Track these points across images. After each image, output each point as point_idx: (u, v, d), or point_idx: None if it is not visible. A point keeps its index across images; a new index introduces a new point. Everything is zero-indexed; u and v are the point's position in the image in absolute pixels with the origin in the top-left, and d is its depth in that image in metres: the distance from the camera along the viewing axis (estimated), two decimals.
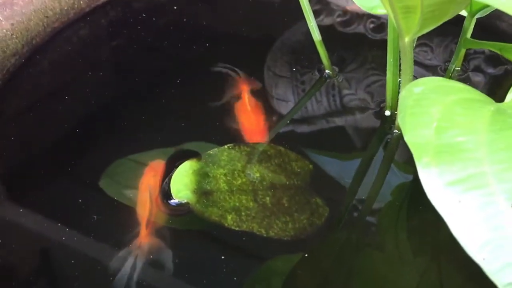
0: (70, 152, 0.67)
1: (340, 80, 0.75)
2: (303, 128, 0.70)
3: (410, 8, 0.47)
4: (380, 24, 0.82)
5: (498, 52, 0.59)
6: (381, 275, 0.57)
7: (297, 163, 0.64)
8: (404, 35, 0.52)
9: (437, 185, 0.38)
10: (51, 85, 0.75)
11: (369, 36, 0.81)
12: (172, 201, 0.59)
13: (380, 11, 0.60)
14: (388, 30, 0.60)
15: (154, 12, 0.85)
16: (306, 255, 0.57)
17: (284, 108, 0.72)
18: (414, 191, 0.63)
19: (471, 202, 0.37)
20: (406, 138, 0.42)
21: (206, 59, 0.78)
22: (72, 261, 0.55)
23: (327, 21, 0.83)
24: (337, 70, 0.76)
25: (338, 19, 0.84)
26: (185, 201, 0.58)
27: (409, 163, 0.65)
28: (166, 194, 0.59)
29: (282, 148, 0.65)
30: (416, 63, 0.75)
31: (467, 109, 0.45)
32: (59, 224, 0.57)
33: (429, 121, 0.43)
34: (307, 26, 0.70)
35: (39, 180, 0.63)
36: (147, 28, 0.82)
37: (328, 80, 0.75)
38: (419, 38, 0.61)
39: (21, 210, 0.59)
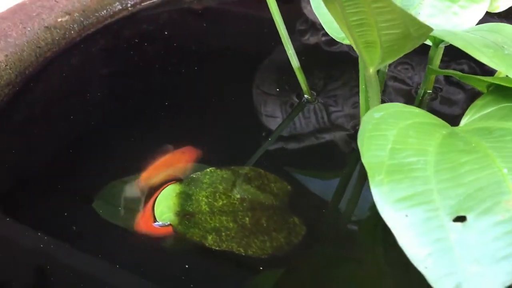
0: (63, 175, 0.70)
1: (319, 104, 0.79)
2: (283, 151, 0.73)
3: (370, 43, 0.51)
4: None
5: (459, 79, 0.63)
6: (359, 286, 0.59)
7: (276, 184, 0.68)
8: (368, 67, 0.56)
9: (387, 201, 0.41)
10: (44, 112, 0.78)
11: (352, 54, 0.84)
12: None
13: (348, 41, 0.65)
14: (359, 59, 0.64)
15: (144, 39, 0.89)
16: (286, 271, 0.60)
17: (273, 124, 0.77)
18: None
19: (416, 216, 0.40)
20: (363, 159, 0.45)
21: (195, 82, 0.82)
22: (67, 279, 0.58)
23: (313, 40, 0.87)
24: (315, 94, 0.79)
25: (323, 38, 0.88)
26: (168, 223, 0.61)
27: None
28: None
29: (261, 171, 0.69)
30: (397, 79, 0.79)
31: (421, 132, 0.49)
32: (53, 242, 0.60)
33: (384, 143, 0.47)
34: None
35: (32, 203, 0.67)
36: (137, 55, 0.86)
37: (307, 105, 0.78)
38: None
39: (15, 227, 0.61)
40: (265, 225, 0.62)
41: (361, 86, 0.68)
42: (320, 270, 0.62)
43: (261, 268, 0.60)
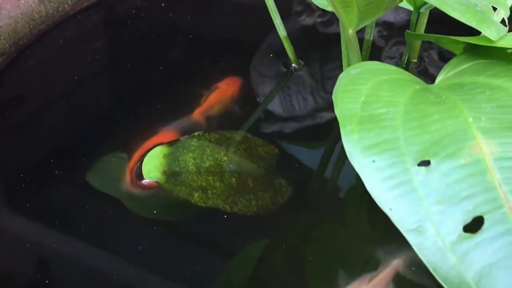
0: (57, 148, 0.72)
1: (306, 73, 0.80)
2: (270, 119, 0.75)
3: (347, 2, 0.53)
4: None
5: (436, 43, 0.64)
6: (341, 249, 0.61)
7: (263, 148, 0.69)
8: (347, 28, 0.57)
9: (356, 148, 0.43)
10: (37, 83, 0.80)
11: None
12: (143, 180, 0.64)
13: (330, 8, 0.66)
14: (340, 24, 0.65)
15: (137, 15, 0.90)
16: (275, 233, 0.62)
17: (262, 91, 0.79)
18: None
19: (383, 161, 0.42)
20: (336, 111, 0.47)
21: (190, 60, 0.84)
22: (67, 266, 0.59)
23: (309, 21, 0.88)
24: (303, 63, 0.81)
25: (319, 20, 0.89)
26: (155, 180, 0.63)
27: None
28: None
29: (249, 135, 0.70)
30: (385, 51, 0.80)
31: (394, 87, 0.50)
32: (48, 228, 0.62)
33: (357, 96, 0.48)
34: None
35: (27, 181, 0.68)
36: (130, 30, 0.88)
37: (294, 73, 0.80)
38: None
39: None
40: (251, 185, 0.64)
41: (343, 51, 0.70)
42: (305, 231, 0.64)
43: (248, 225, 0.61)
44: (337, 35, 0.74)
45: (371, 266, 0.58)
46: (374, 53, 0.71)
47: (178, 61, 0.84)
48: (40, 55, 0.82)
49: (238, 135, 0.70)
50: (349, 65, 0.67)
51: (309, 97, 0.77)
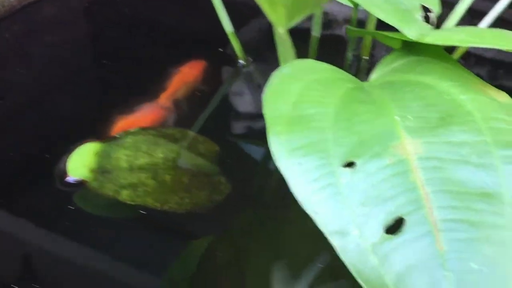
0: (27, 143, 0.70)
1: (254, 70, 0.80)
2: (216, 115, 0.75)
3: (273, 1, 0.52)
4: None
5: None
6: (280, 246, 0.61)
7: (204, 145, 0.68)
8: (277, 27, 0.57)
9: (283, 151, 0.43)
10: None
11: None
12: (68, 178, 0.62)
13: None
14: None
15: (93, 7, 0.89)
16: (211, 231, 0.61)
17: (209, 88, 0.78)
18: None
19: (309, 164, 0.42)
20: (264, 112, 0.47)
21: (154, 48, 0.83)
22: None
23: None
24: (251, 60, 0.80)
25: None
26: (81, 178, 0.61)
27: None
28: (61, 174, 0.62)
29: (189, 132, 0.70)
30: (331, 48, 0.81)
31: (326, 86, 0.50)
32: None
33: (288, 96, 0.48)
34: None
35: None
36: (85, 22, 0.87)
37: (242, 70, 0.80)
38: None
39: None
40: (186, 182, 0.63)
41: (279, 49, 0.69)
42: (243, 229, 0.63)
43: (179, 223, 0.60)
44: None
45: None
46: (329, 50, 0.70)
47: (141, 50, 0.83)
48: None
49: (178, 133, 0.69)
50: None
51: (255, 94, 0.77)
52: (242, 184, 0.66)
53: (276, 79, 0.51)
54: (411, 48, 0.55)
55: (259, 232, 0.62)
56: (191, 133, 0.69)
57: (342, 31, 0.86)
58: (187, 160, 0.65)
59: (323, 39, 0.78)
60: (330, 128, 0.44)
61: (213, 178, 0.64)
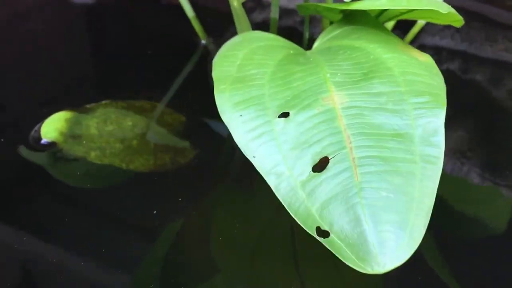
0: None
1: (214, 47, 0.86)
2: (183, 91, 0.80)
3: None
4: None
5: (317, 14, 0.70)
6: (240, 214, 0.64)
7: (171, 116, 0.74)
8: (232, 1, 0.63)
9: (226, 105, 0.49)
10: None
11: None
12: (42, 140, 0.67)
13: None
14: None
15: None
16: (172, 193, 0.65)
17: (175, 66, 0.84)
18: None
19: (248, 115, 0.48)
20: (213, 74, 0.53)
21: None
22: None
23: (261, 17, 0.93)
24: (211, 40, 0.86)
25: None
26: (53, 140, 0.67)
27: None
28: (36, 137, 0.67)
29: (157, 104, 0.75)
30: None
31: (268, 51, 0.56)
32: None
33: (234, 60, 0.54)
34: None
35: None
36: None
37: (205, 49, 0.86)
38: None
39: None
40: (152, 147, 0.69)
41: (236, 22, 0.75)
42: (205, 193, 0.66)
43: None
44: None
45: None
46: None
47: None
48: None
49: (146, 104, 0.74)
50: None
51: None
52: (206, 152, 0.71)
53: (226, 47, 0.57)
54: (349, 19, 0.61)
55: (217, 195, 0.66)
56: (159, 105, 0.74)
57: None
58: (154, 128, 0.71)
59: (282, 28, 0.84)
60: (267, 85, 0.50)
61: (178, 143, 0.70)
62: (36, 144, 0.67)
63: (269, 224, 0.62)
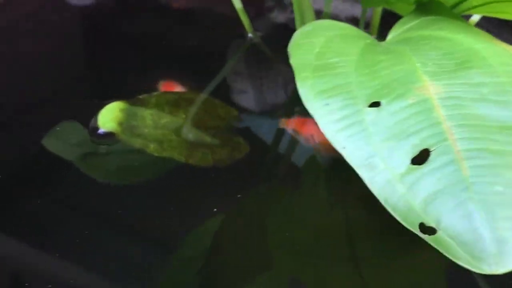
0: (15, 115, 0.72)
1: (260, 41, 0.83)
2: (251, 83, 0.77)
3: None
4: None
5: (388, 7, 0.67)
6: (298, 213, 0.62)
7: (223, 109, 0.71)
8: None
9: (311, 93, 0.46)
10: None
11: None
12: (99, 130, 0.65)
13: None
14: None
15: None
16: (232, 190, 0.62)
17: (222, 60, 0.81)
18: None
19: (336, 104, 0.45)
20: (291, 61, 0.50)
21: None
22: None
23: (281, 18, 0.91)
24: (259, 34, 0.83)
25: (292, 15, 0.91)
26: (110, 130, 0.64)
27: None
28: (93, 127, 0.65)
29: (209, 97, 0.72)
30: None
31: (346, 40, 0.53)
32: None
33: (312, 48, 0.51)
34: None
35: None
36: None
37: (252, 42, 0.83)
38: None
39: None
40: (208, 141, 0.66)
41: (296, 16, 0.72)
42: (264, 199, 0.64)
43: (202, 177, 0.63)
44: None
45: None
46: None
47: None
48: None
49: (197, 96, 0.71)
50: (301, 23, 0.69)
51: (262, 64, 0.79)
52: (259, 146, 0.69)
53: (300, 35, 0.54)
54: (424, 11, 0.58)
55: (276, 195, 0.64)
56: (209, 98, 0.72)
57: None
58: (208, 121, 0.68)
59: None
60: (352, 73, 0.47)
61: (233, 138, 0.67)
62: (94, 134, 0.65)
63: (326, 222, 0.60)
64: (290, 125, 0.71)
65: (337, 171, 0.66)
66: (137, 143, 0.64)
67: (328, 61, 0.48)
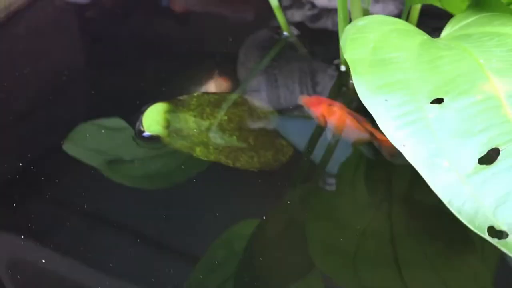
0: (37, 113, 0.71)
1: (298, 40, 0.80)
2: (266, 81, 0.75)
3: None
4: None
5: (440, 5, 0.64)
6: (337, 216, 0.61)
7: (262, 110, 0.69)
8: None
9: (368, 88, 0.43)
10: (23, 48, 0.80)
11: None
12: (144, 133, 0.63)
13: None
14: None
15: None
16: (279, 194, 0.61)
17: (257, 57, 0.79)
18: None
19: (395, 100, 0.42)
20: (345, 56, 0.47)
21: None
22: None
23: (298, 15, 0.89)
24: (295, 32, 0.81)
25: (309, 13, 0.89)
26: (156, 134, 0.63)
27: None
28: (139, 130, 0.63)
29: (247, 97, 0.70)
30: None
31: (402, 35, 0.51)
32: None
33: (366, 43, 0.49)
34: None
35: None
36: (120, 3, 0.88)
37: (287, 40, 0.80)
38: None
39: None
40: (252, 143, 0.64)
41: (339, 16, 0.70)
42: (305, 202, 0.63)
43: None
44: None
45: None
46: None
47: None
48: (29, 22, 0.81)
49: (237, 97, 0.69)
50: (344, 20, 0.67)
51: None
52: (302, 148, 0.67)
53: (352, 29, 0.51)
54: (480, 7, 0.55)
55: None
56: (249, 98, 0.69)
57: None
58: (250, 122, 0.66)
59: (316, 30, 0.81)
60: (412, 68, 0.44)
61: (275, 140, 0.65)
62: (139, 137, 0.64)
63: (367, 224, 0.58)
64: (307, 102, 0.70)
65: (377, 170, 0.65)
66: (183, 146, 0.63)
67: (385, 56, 0.46)
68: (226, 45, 0.82)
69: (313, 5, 0.88)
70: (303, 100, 0.71)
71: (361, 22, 0.53)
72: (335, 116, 0.67)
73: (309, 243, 0.57)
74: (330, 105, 0.69)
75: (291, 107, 0.72)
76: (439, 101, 0.42)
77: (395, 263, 0.55)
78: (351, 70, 0.45)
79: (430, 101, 0.42)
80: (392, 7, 0.86)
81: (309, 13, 0.87)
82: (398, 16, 0.74)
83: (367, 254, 0.55)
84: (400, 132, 0.40)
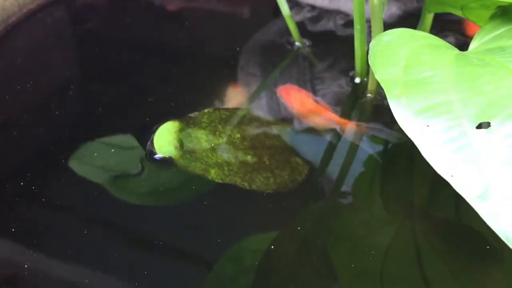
0: (39, 130, 0.68)
1: (310, 51, 0.78)
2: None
3: None
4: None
5: (461, 15, 0.61)
6: (357, 235, 0.58)
7: (276, 126, 0.66)
8: None
9: (407, 113, 0.40)
10: (24, 62, 0.77)
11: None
12: (156, 155, 0.60)
13: None
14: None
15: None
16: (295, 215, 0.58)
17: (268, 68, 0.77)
18: (387, 155, 0.65)
19: (438, 125, 0.39)
20: (377, 76, 0.44)
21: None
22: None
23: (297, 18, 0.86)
24: (307, 43, 0.78)
25: (308, 15, 0.87)
26: (169, 156, 0.60)
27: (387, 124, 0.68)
28: (150, 151, 0.60)
29: (260, 113, 0.67)
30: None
31: (433, 51, 0.48)
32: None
33: (397, 61, 0.45)
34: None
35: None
36: (119, 14, 0.85)
37: (298, 51, 0.78)
38: None
39: None
40: (267, 163, 0.61)
41: (356, 27, 0.67)
42: (321, 218, 0.60)
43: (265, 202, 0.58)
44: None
45: None
46: None
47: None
48: (28, 34, 0.78)
49: (249, 113, 0.67)
50: (364, 42, 0.65)
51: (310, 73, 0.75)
52: (317, 166, 0.64)
53: (378, 46, 0.48)
54: (507, 17, 0.52)
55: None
56: (261, 114, 0.67)
57: None
58: (263, 140, 0.63)
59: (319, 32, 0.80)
60: (451, 89, 0.42)
61: (290, 158, 0.62)
62: (151, 158, 0.61)
63: (387, 242, 0.56)
64: (280, 91, 0.70)
65: (392, 185, 0.63)
66: (196, 168, 0.60)
67: (420, 76, 0.43)
68: (227, 49, 0.80)
69: (313, 7, 0.85)
70: (279, 88, 0.71)
71: (386, 37, 0.51)
72: (301, 102, 0.68)
73: (334, 265, 0.56)
74: (298, 92, 0.69)
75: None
76: (485, 125, 0.39)
77: (423, 282, 0.53)
78: (385, 91, 0.42)
79: (475, 126, 0.39)
80: (394, 8, 0.84)
81: (308, 15, 0.86)
82: (401, 17, 0.72)
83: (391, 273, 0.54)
84: (445, 161, 0.38)
